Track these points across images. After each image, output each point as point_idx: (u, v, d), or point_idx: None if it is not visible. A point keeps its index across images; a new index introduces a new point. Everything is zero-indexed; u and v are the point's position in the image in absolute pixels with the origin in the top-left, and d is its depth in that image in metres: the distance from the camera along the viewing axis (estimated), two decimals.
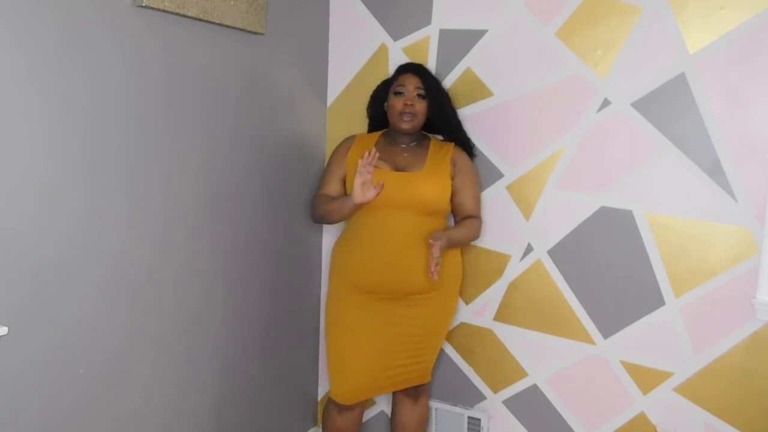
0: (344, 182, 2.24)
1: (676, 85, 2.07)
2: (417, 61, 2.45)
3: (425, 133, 2.28)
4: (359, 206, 2.04)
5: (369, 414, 2.71)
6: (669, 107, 2.09)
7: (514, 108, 2.32)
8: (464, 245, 2.29)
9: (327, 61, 2.61)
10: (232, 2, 2.03)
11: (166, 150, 1.89)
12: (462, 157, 2.23)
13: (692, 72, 2.05)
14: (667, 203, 2.12)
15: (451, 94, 2.40)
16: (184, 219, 1.98)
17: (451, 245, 2.11)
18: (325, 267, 2.67)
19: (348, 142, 2.29)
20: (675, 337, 2.15)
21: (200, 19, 1.93)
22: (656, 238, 2.15)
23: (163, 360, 1.96)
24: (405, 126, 2.15)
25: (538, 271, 2.34)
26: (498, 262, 2.41)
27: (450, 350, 2.54)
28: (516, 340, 2.41)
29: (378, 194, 2.00)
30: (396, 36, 2.49)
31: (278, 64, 2.33)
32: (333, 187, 2.24)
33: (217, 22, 1.98)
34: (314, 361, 2.72)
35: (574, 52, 2.21)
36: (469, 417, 2.50)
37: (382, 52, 2.51)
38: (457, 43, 2.39)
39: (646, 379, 2.22)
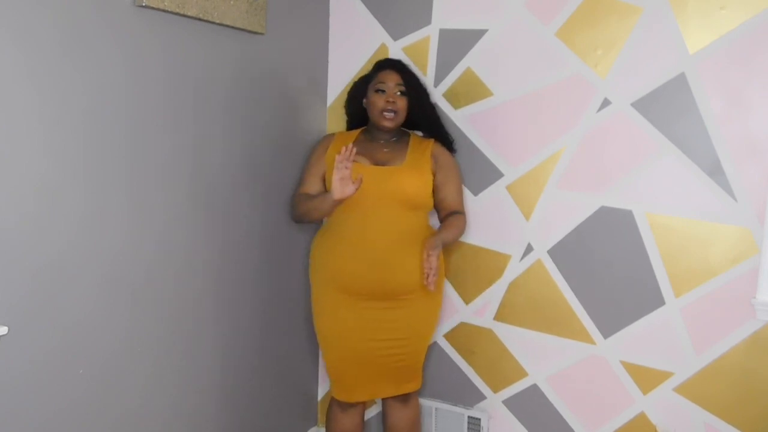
0: (324, 180, 2.22)
1: (676, 85, 2.07)
2: (416, 60, 2.45)
3: (405, 129, 2.27)
4: (339, 202, 2.03)
5: (369, 414, 2.71)
6: (669, 107, 2.09)
7: (514, 108, 2.32)
8: (454, 242, 2.27)
9: (327, 61, 2.61)
10: (232, 2, 2.03)
11: (166, 150, 1.89)
12: (443, 152, 2.22)
13: (692, 72, 2.05)
14: (667, 203, 2.12)
15: (451, 94, 2.41)
16: (184, 219, 1.98)
17: (444, 247, 2.11)
18: None
19: (327, 139, 2.27)
20: (675, 337, 2.15)
21: (200, 19, 1.93)
22: (656, 238, 2.15)
23: (163, 360, 1.96)
24: (387, 124, 2.15)
25: (538, 271, 2.34)
26: (498, 262, 2.41)
27: (450, 350, 2.54)
28: (516, 339, 2.41)
29: (357, 189, 1.99)
30: (396, 36, 2.49)
31: (278, 64, 2.33)
32: (312, 186, 2.22)
33: (217, 22, 1.98)
34: (314, 361, 2.72)
35: (574, 52, 2.21)
36: (469, 417, 2.50)
37: (382, 52, 2.51)
38: (457, 43, 2.39)
39: (646, 379, 2.22)
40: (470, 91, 2.38)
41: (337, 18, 2.59)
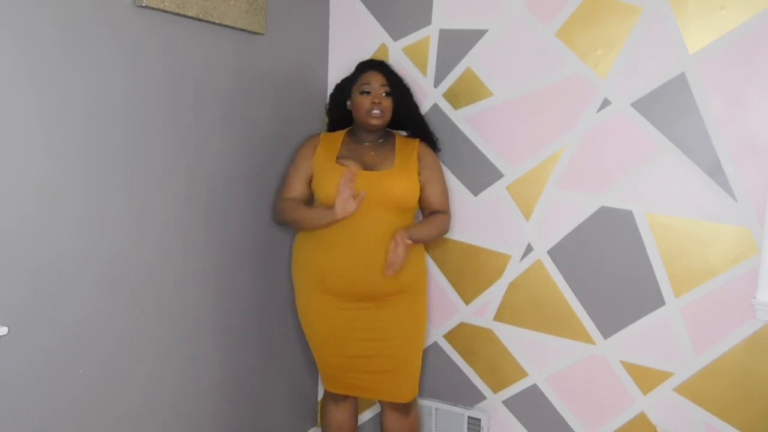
0: (309, 182, 2.19)
1: (676, 85, 2.07)
2: (416, 60, 2.45)
3: (389, 129, 2.27)
4: (339, 221, 2.02)
5: (369, 414, 2.71)
6: (669, 107, 2.09)
7: (514, 108, 2.32)
8: (431, 241, 2.26)
9: (327, 61, 2.61)
10: (232, 2, 2.03)
11: (166, 150, 1.89)
12: (427, 153, 2.23)
13: (692, 72, 2.05)
14: (667, 203, 2.12)
15: (451, 94, 2.41)
16: (184, 219, 1.98)
17: (415, 242, 2.09)
18: None
19: (313, 141, 2.24)
20: (675, 337, 2.15)
21: (200, 19, 1.93)
22: (656, 238, 2.15)
23: (163, 360, 1.96)
24: (375, 122, 2.14)
25: (538, 271, 2.35)
26: (498, 262, 2.41)
27: (450, 350, 2.54)
28: (516, 340, 2.41)
29: (359, 205, 1.99)
30: (396, 36, 2.49)
31: (278, 64, 2.33)
32: (298, 188, 2.18)
33: (217, 22, 1.98)
34: (314, 361, 2.70)
35: (574, 52, 2.21)
36: (469, 417, 2.50)
37: (382, 52, 2.51)
38: (457, 43, 2.39)
39: (646, 379, 2.22)
40: (470, 91, 2.38)
41: (337, 18, 2.59)
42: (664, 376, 2.19)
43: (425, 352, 2.55)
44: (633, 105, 2.14)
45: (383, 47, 2.51)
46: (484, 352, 2.48)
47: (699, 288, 2.11)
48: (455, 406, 2.53)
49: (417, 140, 2.24)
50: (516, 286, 2.39)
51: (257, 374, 2.39)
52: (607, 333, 2.26)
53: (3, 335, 1.45)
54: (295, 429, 2.64)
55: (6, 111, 1.44)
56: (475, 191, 2.42)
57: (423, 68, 2.45)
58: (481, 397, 2.51)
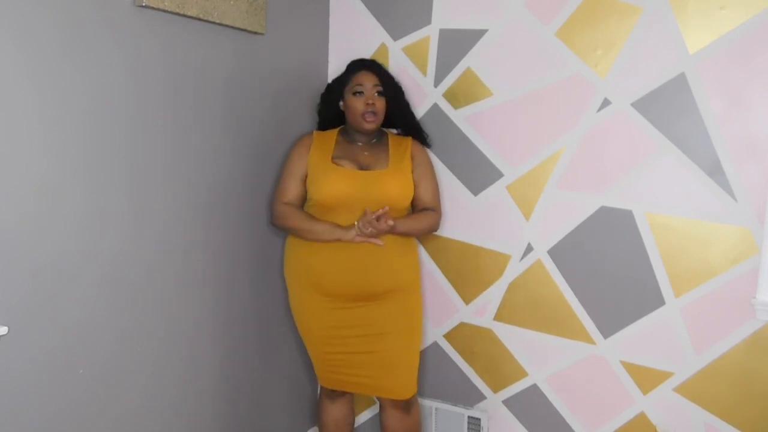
0: (305, 182, 2.18)
1: (676, 85, 2.07)
2: (416, 60, 2.45)
3: (381, 128, 2.26)
4: (348, 241, 2.04)
5: (367, 414, 2.71)
6: (669, 107, 2.09)
7: (514, 108, 2.32)
8: (416, 235, 2.25)
9: (327, 61, 2.61)
10: (232, 2, 2.03)
11: (166, 150, 1.89)
12: (420, 150, 2.24)
13: (692, 72, 2.05)
14: (667, 203, 2.12)
15: (451, 94, 2.41)
16: (184, 219, 1.98)
17: (399, 233, 2.09)
18: None
19: (306, 140, 2.22)
20: (675, 337, 2.15)
21: (200, 19, 1.93)
22: (656, 238, 2.15)
23: (163, 360, 1.96)
24: (369, 126, 2.14)
25: (538, 271, 2.34)
26: (498, 262, 2.41)
27: (450, 350, 2.54)
28: (516, 340, 2.41)
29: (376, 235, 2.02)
30: (396, 36, 2.49)
31: (278, 64, 2.33)
32: (294, 190, 2.17)
33: (217, 22, 1.98)
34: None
35: (574, 52, 2.21)
36: (469, 417, 2.50)
37: (382, 52, 2.51)
38: (457, 43, 2.39)
39: (646, 379, 2.22)
40: (470, 91, 2.38)
41: (337, 18, 2.59)
42: (664, 376, 2.19)
43: (425, 351, 2.56)
44: (633, 105, 2.14)
45: (383, 47, 2.51)
46: (484, 352, 2.48)
47: (699, 288, 2.11)
48: (455, 406, 2.53)
49: (409, 139, 2.25)
50: (516, 286, 2.39)
51: (257, 374, 2.39)
52: (607, 333, 2.26)
53: (3, 335, 1.45)
54: (294, 429, 2.64)
55: (6, 111, 1.44)
56: (475, 191, 2.42)
57: (423, 68, 2.45)
58: (481, 397, 2.51)
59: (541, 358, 2.38)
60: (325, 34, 2.60)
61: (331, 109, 2.27)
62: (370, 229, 2.00)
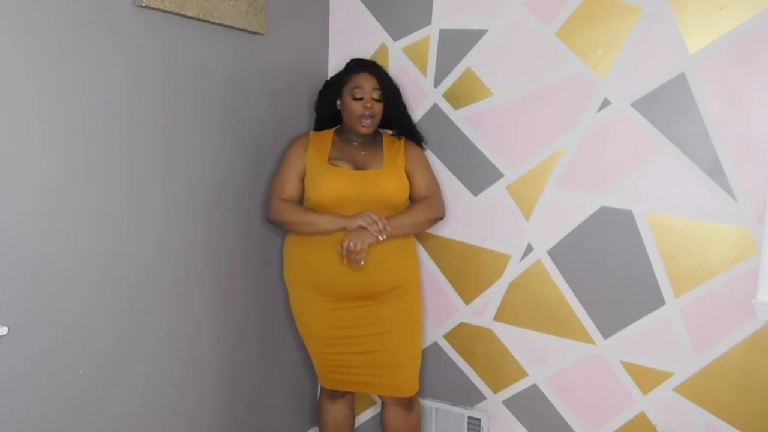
0: (303, 181, 2.17)
1: (676, 85, 2.07)
2: (416, 60, 2.45)
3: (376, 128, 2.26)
4: (348, 230, 2.03)
5: (368, 414, 2.71)
6: (669, 107, 2.09)
7: (514, 108, 2.32)
8: (419, 229, 2.22)
9: (327, 61, 2.61)
10: (232, 2, 2.03)
11: (166, 150, 1.89)
12: (412, 147, 2.25)
13: (692, 72, 2.05)
14: (667, 203, 2.12)
15: (451, 94, 2.41)
16: (184, 219, 1.98)
17: (398, 234, 2.09)
18: None
19: (303, 140, 2.22)
20: (675, 337, 2.15)
21: (200, 19, 1.93)
22: (656, 238, 2.15)
23: (163, 360, 1.96)
24: (365, 131, 2.15)
25: (538, 271, 2.34)
26: (498, 262, 2.41)
27: (450, 350, 2.54)
28: (516, 340, 2.41)
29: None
30: (396, 36, 2.49)
31: (278, 64, 2.33)
32: (293, 187, 2.16)
33: (217, 22, 1.98)
34: None
35: (574, 52, 2.21)
36: (469, 417, 2.50)
37: (382, 52, 2.51)
38: (457, 43, 2.39)
39: (646, 379, 2.22)
40: (470, 91, 2.38)
41: (337, 18, 2.59)
42: (664, 376, 2.19)
43: (425, 352, 2.55)
44: (633, 105, 2.14)
45: (383, 47, 2.51)
46: (484, 352, 2.48)
47: (699, 288, 2.11)
48: (455, 406, 2.53)
49: (402, 139, 2.26)
50: (516, 286, 2.39)
51: (257, 374, 2.39)
52: (607, 333, 2.26)
53: (3, 335, 1.45)
54: (294, 429, 2.64)
55: (6, 111, 1.44)
56: (475, 191, 2.42)
57: (423, 68, 2.45)
58: (481, 397, 2.51)
59: (541, 358, 2.38)
60: (325, 34, 2.60)
61: (328, 107, 2.26)
62: (376, 224, 2.01)
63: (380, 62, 2.27)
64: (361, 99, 2.13)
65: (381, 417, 2.35)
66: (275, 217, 2.17)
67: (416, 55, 2.46)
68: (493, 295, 2.44)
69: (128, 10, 1.72)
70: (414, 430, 2.31)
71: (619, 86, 2.15)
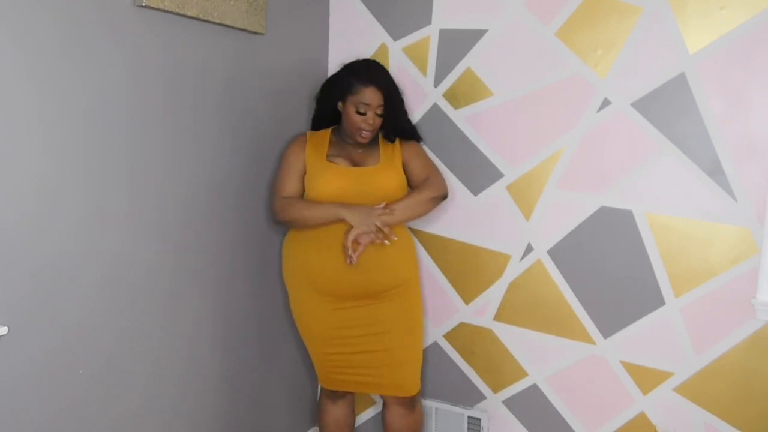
0: (303, 178, 2.18)
1: (676, 85, 2.07)
2: (416, 60, 2.45)
3: None
4: (346, 220, 2.04)
5: (368, 414, 2.71)
6: (669, 107, 2.09)
7: (514, 108, 2.32)
8: (422, 208, 2.19)
9: (327, 61, 2.61)
10: (232, 2, 2.03)
11: (166, 150, 1.89)
12: (408, 142, 2.25)
13: (692, 72, 2.05)
14: (667, 203, 2.12)
15: (451, 94, 2.41)
16: (184, 219, 1.98)
17: (402, 219, 2.11)
18: None
19: (301, 139, 2.22)
20: (675, 337, 2.15)
21: (200, 19, 1.93)
22: (656, 238, 2.15)
23: (163, 360, 1.96)
24: (362, 142, 2.16)
25: (538, 271, 2.34)
26: (498, 262, 2.41)
27: (450, 350, 2.54)
28: (516, 340, 2.41)
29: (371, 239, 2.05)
30: (396, 36, 2.49)
31: (278, 64, 2.33)
32: (294, 185, 2.17)
33: (217, 22, 1.98)
34: None
35: (574, 52, 2.21)
36: (469, 417, 2.50)
37: (382, 52, 2.51)
38: (457, 43, 2.39)
39: (646, 379, 2.22)
40: (470, 91, 2.38)
41: (337, 18, 2.59)
42: (664, 376, 2.19)
43: (425, 351, 2.55)
44: (633, 105, 2.14)
45: (383, 47, 2.51)
46: (484, 352, 2.48)
47: (699, 288, 2.11)
48: (455, 406, 2.53)
49: (397, 139, 2.26)
50: (516, 286, 2.39)
51: (257, 374, 2.39)
52: (607, 333, 2.26)
53: (3, 335, 1.45)
54: (294, 429, 2.64)
55: (6, 111, 1.44)
56: (475, 191, 2.42)
57: (423, 68, 2.45)
58: (481, 397, 2.51)
59: (541, 358, 2.38)
60: (325, 34, 2.60)
61: (328, 106, 2.26)
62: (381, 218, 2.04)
63: (380, 62, 2.26)
64: (364, 114, 2.12)
65: (382, 417, 2.35)
66: (280, 216, 2.17)
67: (416, 55, 2.46)
68: (493, 295, 2.44)
69: (128, 10, 1.72)
70: (416, 430, 2.31)
71: (619, 86, 2.15)
